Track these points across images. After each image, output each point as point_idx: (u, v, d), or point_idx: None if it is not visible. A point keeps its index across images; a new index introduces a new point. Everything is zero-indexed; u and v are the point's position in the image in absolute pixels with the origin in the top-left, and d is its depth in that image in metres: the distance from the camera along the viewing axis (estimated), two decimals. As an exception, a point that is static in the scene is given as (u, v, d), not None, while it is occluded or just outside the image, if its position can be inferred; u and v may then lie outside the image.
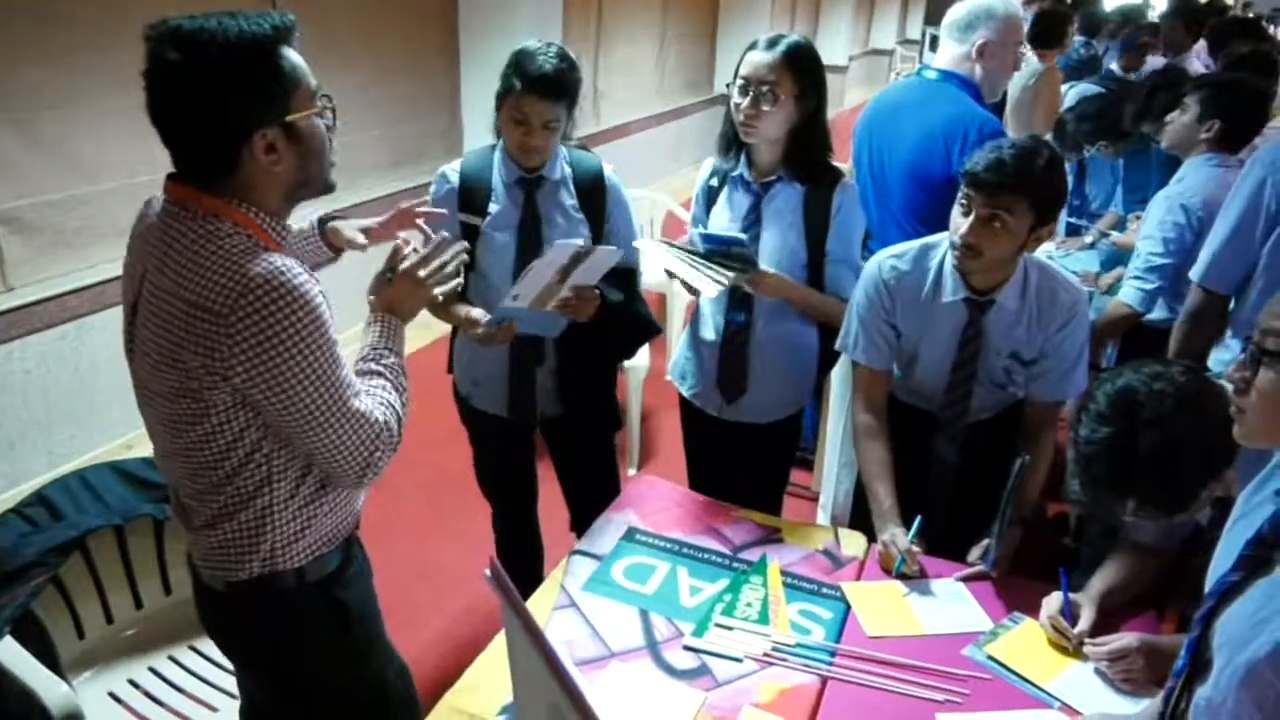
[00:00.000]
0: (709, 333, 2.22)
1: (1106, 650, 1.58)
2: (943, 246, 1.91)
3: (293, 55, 1.24)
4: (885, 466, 1.96)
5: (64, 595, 1.93)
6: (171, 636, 2.06)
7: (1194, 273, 2.25)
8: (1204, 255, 2.23)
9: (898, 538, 1.84)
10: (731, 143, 2.10)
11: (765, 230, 2.08)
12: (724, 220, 2.13)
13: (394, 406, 1.38)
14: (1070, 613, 1.65)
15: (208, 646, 2.06)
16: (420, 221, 1.82)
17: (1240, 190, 2.17)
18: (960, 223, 1.79)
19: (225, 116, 1.19)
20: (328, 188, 1.35)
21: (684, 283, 2.06)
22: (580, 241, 1.94)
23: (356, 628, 1.50)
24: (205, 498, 1.35)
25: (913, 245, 1.96)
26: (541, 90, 1.93)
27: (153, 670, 2.00)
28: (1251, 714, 1.11)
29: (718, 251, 1.99)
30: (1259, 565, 1.16)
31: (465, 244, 1.57)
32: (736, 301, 2.12)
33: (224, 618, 1.49)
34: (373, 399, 1.35)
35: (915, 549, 1.82)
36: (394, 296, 1.48)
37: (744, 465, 2.32)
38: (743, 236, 2.00)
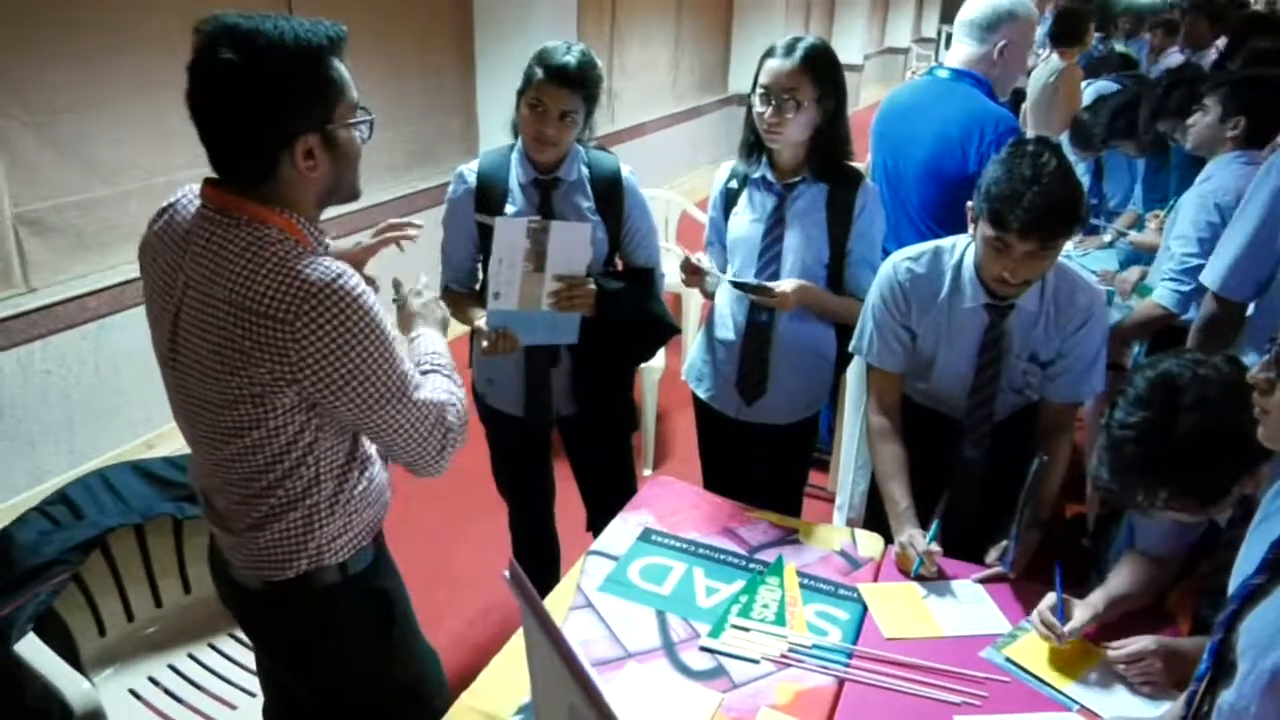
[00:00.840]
0: (727, 333, 2.21)
1: (1125, 653, 1.57)
2: (959, 250, 1.90)
3: (341, 67, 1.26)
4: (900, 467, 1.95)
5: (85, 593, 1.95)
6: (191, 634, 2.07)
7: (1209, 280, 2.20)
8: (1219, 263, 2.17)
9: (915, 539, 1.83)
10: (753, 148, 2.10)
11: (789, 231, 2.08)
12: (745, 221, 2.13)
13: (454, 393, 1.43)
14: (1063, 611, 1.63)
15: (227, 644, 2.08)
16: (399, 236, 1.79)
17: (1256, 197, 2.12)
18: (996, 263, 1.75)
19: (272, 119, 1.21)
20: (354, 195, 1.38)
21: (701, 286, 2.10)
22: (527, 218, 1.95)
23: (399, 615, 1.53)
24: (254, 502, 1.36)
25: (926, 247, 1.94)
26: (561, 79, 1.95)
27: (172, 668, 2.01)
28: (1277, 718, 1.09)
29: (735, 284, 2.06)
30: (1284, 569, 1.15)
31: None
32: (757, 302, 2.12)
33: (267, 615, 1.50)
34: (434, 389, 1.40)
35: (935, 549, 1.81)
36: (414, 318, 1.57)
37: (760, 466, 2.31)
38: (752, 280, 2.06)
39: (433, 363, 1.47)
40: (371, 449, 1.47)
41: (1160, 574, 1.71)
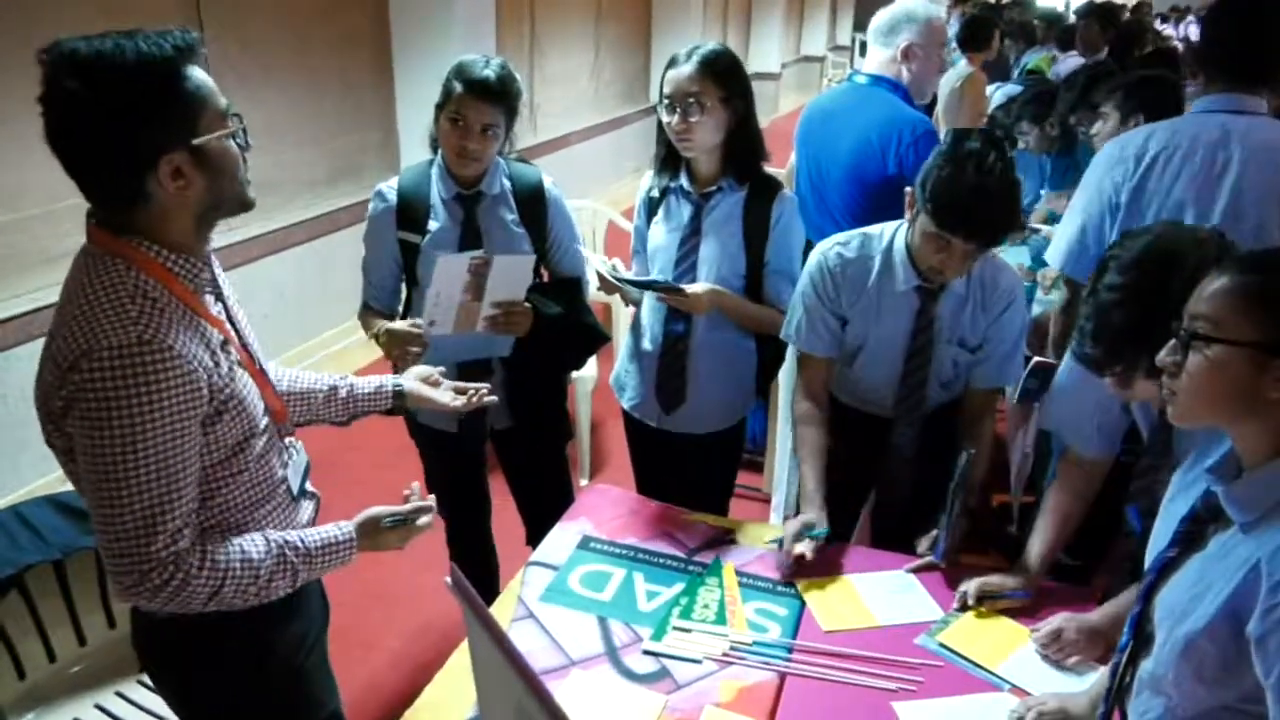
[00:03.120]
0: (646, 343, 2.23)
1: (1042, 634, 1.64)
2: (887, 235, 1.93)
3: (197, 74, 1.19)
4: (818, 451, 1.97)
5: (2, 635, 1.87)
6: (118, 671, 1.99)
7: (1053, 260, 2.29)
8: (1058, 242, 2.27)
9: (790, 529, 1.84)
10: (667, 161, 2.12)
11: (705, 240, 2.10)
12: (663, 230, 2.15)
13: (218, 569, 1.26)
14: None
15: (156, 680, 2.01)
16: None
17: (1087, 183, 2.23)
18: (934, 255, 1.79)
19: (128, 145, 1.15)
20: (245, 206, 1.30)
21: (621, 294, 2.11)
22: (470, 254, 1.94)
23: (281, 670, 1.45)
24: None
25: (855, 234, 1.97)
26: (481, 93, 1.94)
27: (99, 707, 1.93)
28: (1192, 684, 1.15)
29: (644, 285, 2.06)
30: (1194, 541, 1.21)
31: (432, 509, 1.52)
32: (675, 311, 2.13)
33: (153, 647, 1.44)
34: (207, 551, 1.26)
35: (801, 550, 1.81)
36: (375, 539, 1.46)
37: (687, 474, 2.32)
38: (660, 278, 2.06)
39: (292, 550, 1.34)
40: (276, 488, 1.40)
41: (1091, 478, 1.77)
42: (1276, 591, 1.03)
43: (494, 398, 1.79)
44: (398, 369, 1.93)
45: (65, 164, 1.18)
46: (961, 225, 1.72)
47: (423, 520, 1.50)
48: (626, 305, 2.28)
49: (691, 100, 1.96)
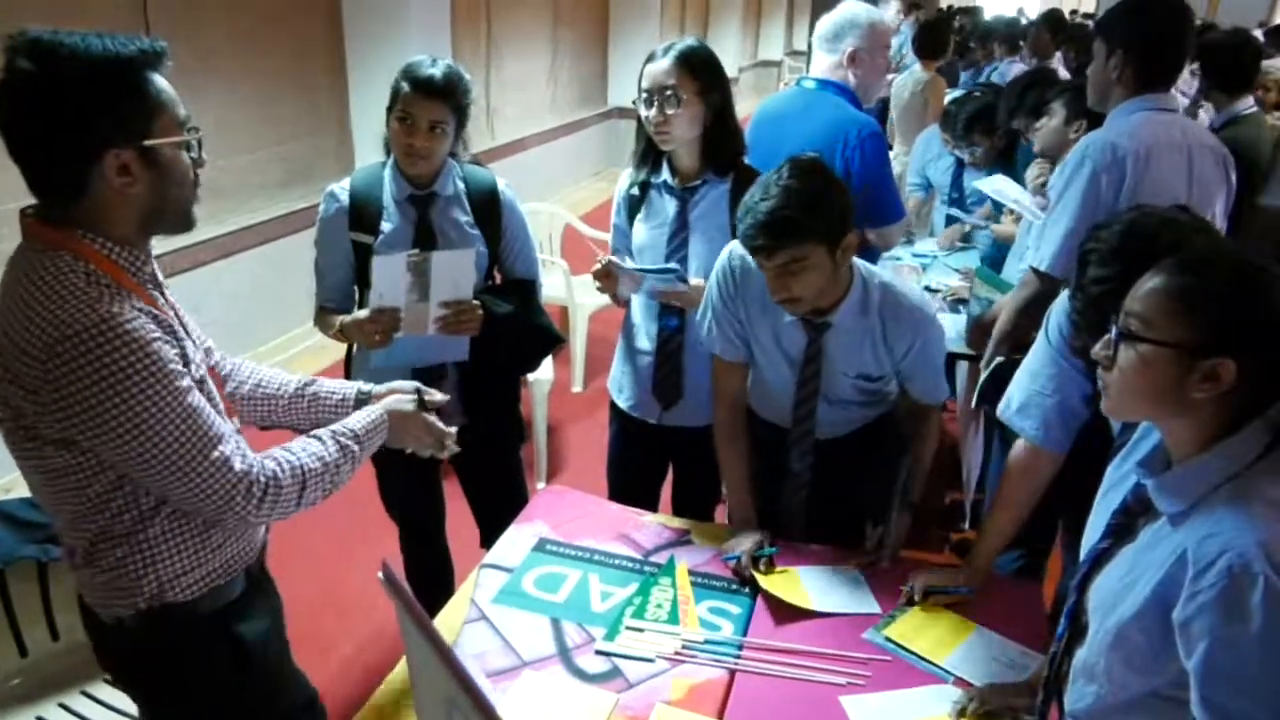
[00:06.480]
0: (643, 342, 2.24)
1: None
2: None
3: (160, 81, 1.21)
4: (740, 471, 2.00)
5: (-60, 648, 1.83)
6: (61, 684, 1.96)
7: (1041, 263, 2.31)
8: (1047, 246, 2.30)
9: (744, 544, 1.87)
10: (646, 156, 2.13)
11: (693, 234, 2.11)
12: (649, 227, 2.15)
13: (296, 467, 1.35)
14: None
15: (102, 691, 1.97)
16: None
17: (1074, 183, 2.25)
18: (764, 274, 1.76)
19: (72, 130, 1.16)
20: (187, 224, 1.31)
21: (612, 293, 2.10)
22: (406, 253, 1.94)
23: (257, 663, 1.46)
24: (75, 533, 1.31)
25: None
26: (426, 90, 1.95)
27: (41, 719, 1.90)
28: (1122, 671, 1.19)
29: (656, 272, 2.07)
30: (1125, 533, 1.25)
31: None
32: (667, 307, 2.15)
33: (119, 652, 1.43)
34: (277, 455, 1.34)
35: (757, 567, 1.85)
36: (404, 423, 1.58)
37: (680, 472, 2.36)
38: (673, 266, 2.06)
39: (342, 436, 1.45)
40: None
41: (1035, 486, 1.78)
42: (1200, 578, 1.06)
43: (446, 396, 1.74)
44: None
45: (10, 146, 1.18)
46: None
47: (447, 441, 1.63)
48: (617, 304, 2.26)
49: (669, 93, 1.98)
